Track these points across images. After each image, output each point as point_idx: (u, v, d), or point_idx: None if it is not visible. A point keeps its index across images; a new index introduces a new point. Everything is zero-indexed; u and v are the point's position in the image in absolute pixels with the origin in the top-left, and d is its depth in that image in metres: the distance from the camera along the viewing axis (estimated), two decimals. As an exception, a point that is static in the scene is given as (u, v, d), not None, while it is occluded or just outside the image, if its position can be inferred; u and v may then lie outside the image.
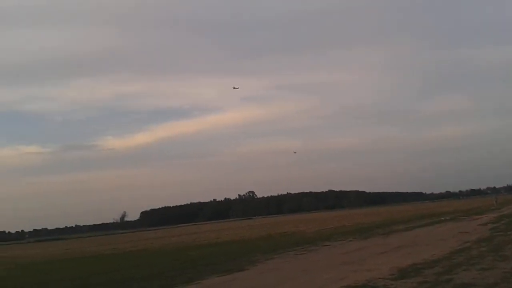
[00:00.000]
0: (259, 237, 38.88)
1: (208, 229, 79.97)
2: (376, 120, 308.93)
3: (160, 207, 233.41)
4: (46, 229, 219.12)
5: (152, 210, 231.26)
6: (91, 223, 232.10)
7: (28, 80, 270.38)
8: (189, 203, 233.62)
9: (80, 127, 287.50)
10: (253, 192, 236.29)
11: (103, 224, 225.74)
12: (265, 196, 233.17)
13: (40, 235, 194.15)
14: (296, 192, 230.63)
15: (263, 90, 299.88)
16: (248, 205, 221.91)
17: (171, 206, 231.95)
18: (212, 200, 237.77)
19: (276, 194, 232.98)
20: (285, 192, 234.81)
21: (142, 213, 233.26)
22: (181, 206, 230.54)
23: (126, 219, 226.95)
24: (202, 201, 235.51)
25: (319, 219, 74.14)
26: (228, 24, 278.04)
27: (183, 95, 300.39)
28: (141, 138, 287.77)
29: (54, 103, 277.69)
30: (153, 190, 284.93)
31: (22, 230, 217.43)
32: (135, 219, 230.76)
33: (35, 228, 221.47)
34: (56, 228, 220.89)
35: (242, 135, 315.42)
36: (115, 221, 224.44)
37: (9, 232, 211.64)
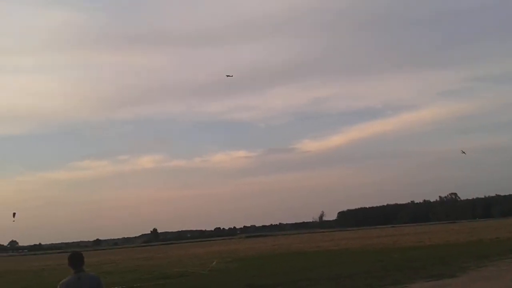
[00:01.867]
0: (467, 242, 36.31)
1: (408, 232, 77.06)
2: None
3: (357, 208, 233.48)
4: (254, 226, 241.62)
5: (349, 211, 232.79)
6: (293, 222, 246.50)
7: (235, 92, 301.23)
8: (385, 204, 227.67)
9: (280, 132, 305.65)
10: (455, 194, 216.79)
11: (303, 222, 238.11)
12: (470, 198, 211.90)
13: (249, 231, 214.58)
14: (509, 193, 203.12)
15: (461, 83, 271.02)
16: (450, 208, 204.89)
17: (367, 207, 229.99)
18: (410, 202, 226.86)
19: (482, 196, 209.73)
20: (493, 194, 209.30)
21: (339, 213, 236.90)
22: (377, 207, 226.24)
23: (324, 218, 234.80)
24: (399, 202, 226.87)
25: (541, 224, 64.55)
26: (416, 17, 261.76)
27: (374, 95, 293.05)
28: (336, 140, 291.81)
29: (257, 112, 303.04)
30: (349, 191, 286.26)
31: (234, 227, 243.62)
32: (333, 219, 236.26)
33: (245, 225, 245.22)
34: (263, 226, 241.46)
35: (440, 132, 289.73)
36: (314, 220, 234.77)
37: (223, 228, 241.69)
